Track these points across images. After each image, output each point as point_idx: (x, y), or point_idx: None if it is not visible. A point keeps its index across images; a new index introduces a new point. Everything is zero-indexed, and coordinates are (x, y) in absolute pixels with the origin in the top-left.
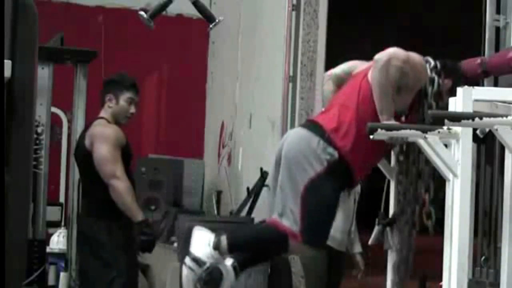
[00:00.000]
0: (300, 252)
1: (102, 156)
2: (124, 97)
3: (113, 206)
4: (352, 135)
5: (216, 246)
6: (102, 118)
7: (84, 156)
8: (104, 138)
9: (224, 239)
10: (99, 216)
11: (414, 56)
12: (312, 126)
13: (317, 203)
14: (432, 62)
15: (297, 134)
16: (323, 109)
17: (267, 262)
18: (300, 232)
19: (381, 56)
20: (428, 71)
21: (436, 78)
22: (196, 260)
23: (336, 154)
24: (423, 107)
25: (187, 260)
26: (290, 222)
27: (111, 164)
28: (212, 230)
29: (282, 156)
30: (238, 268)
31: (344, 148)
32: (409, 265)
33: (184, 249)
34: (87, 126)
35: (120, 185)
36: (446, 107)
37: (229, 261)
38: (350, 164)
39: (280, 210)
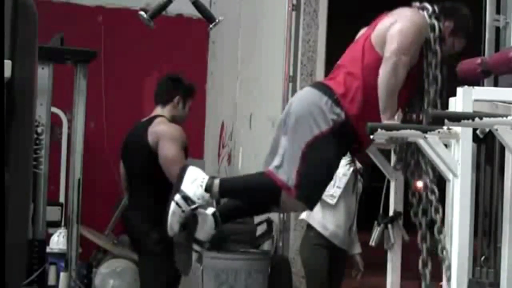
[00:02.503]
0: (291, 207)
1: (172, 156)
2: (189, 104)
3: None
4: (359, 101)
5: (208, 188)
6: (162, 116)
7: (148, 154)
8: (173, 138)
9: (217, 182)
10: (154, 222)
11: (416, 21)
12: (322, 86)
13: (317, 161)
14: (430, 8)
15: (306, 92)
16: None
17: (252, 217)
18: (294, 187)
19: (391, 53)
20: (427, 17)
21: (436, 23)
22: (185, 198)
23: (343, 115)
24: (428, 55)
25: (177, 196)
26: (287, 175)
27: (180, 165)
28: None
29: (290, 112)
30: (219, 218)
31: (350, 111)
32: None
33: (176, 186)
34: (136, 123)
35: None
36: (451, 51)
37: (210, 210)
38: (355, 128)
39: (278, 162)
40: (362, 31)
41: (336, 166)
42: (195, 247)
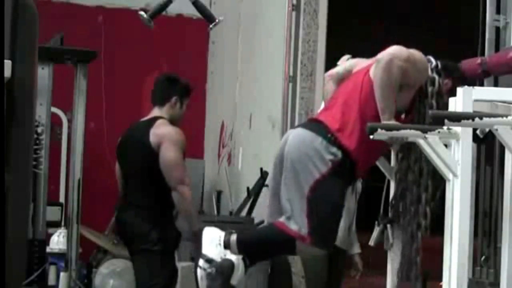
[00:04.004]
0: (308, 252)
1: (173, 160)
2: (186, 103)
3: (166, 209)
4: (357, 134)
5: (227, 245)
6: (162, 118)
7: (148, 154)
8: (175, 142)
9: (234, 239)
10: (153, 222)
11: (416, 54)
12: (314, 125)
13: (323, 204)
14: (434, 62)
15: (299, 135)
16: (323, 107)
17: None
18: (308, 234)
19: (383, 55)
20: (429, 70)
21: (437, 78)
22: (209, 261)
23: (339, 153)
24: (423, 106)
25: (201, 262)
26: (298, 225)
27: (181, 169)
28: (222, 229)
29: (284, 158)
30: (248, 262)
31: (350, 147)
32: (416, 266)
33: (197, 251)
34: (134, 123)
35: (187, 192)
36: (446, 107)
37: (240, 256)
38: (354, 162)
39: (288, 213)
40: (360, 65)
41: (343, 203)
42: None
